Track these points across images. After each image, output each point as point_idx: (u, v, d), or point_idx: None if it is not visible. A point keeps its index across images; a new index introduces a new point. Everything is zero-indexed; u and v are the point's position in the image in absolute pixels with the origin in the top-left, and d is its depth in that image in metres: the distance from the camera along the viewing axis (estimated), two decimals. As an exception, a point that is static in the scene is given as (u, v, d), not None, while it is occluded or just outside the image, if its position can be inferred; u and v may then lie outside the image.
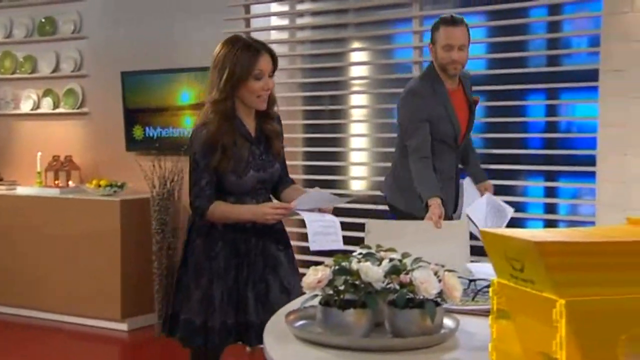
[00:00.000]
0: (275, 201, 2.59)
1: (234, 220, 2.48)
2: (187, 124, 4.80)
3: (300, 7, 4.63)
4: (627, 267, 1.22)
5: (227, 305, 2.46)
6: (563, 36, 3.86)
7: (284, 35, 4.72)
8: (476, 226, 2.93)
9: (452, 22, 3.06)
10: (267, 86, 2.43)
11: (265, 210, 2.45)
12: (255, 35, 4.68)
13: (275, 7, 4.68)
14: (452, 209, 3.18)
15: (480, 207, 3.06)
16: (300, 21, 4.67)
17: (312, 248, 2.43)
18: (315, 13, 4.59)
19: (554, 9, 3.84)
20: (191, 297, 2.50)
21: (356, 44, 4.50)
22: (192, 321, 2.48)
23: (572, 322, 1.19)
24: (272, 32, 4.72)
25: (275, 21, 4.72)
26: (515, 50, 3.89)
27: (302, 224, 2.49)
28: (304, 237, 2.57)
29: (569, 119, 3.92)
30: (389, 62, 4.39)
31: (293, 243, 2.73)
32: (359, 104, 4.51)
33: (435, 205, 2.82)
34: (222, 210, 2.47)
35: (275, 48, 4.64)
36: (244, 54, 2.39)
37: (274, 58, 2.47)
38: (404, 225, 2.72)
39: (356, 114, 4.49)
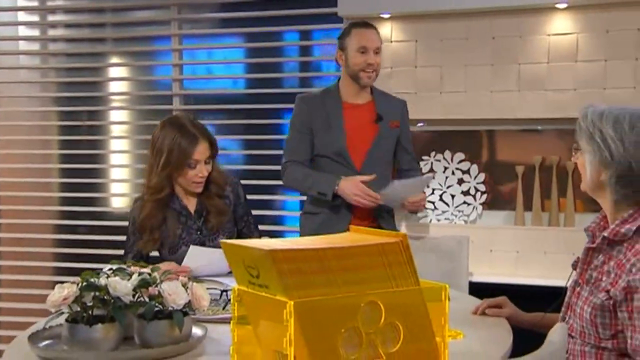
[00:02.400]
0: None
1: None
2: None
3: (52, 18, 4.47)
4: (345, 269, 1.39)
5: None
6: (313, 60, 4.17)
7: (35, 46, 4.52)
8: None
9: (365, 24, 2.90)
10: (201, 174, 2.46)
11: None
12: (2, 46, 4.43)
13: (23, 17, 4.47)
14: None
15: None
16: (53, 32, 4.50)
17: None
18: (69, 25, 4.45)
19: (304, 35, 4.13)
20: None
21: (115, 59, 4.44)
22: None
23: (300, 320, 1.33)
24: (21, 42, 4.49)
25: (24, 31, 4.50)
26: (271, 71, 4.12)
27: None
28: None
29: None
30: (149, 79, 4.40)
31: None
32: (118, 119, 4.45)
33: (348, 184, 2.72)
34: None
35: (25, 60, 4.50)
36: (181, 143, 2.42)
37: (212, 144, 2.49)
38: None
39: (116, 130, 4.43)
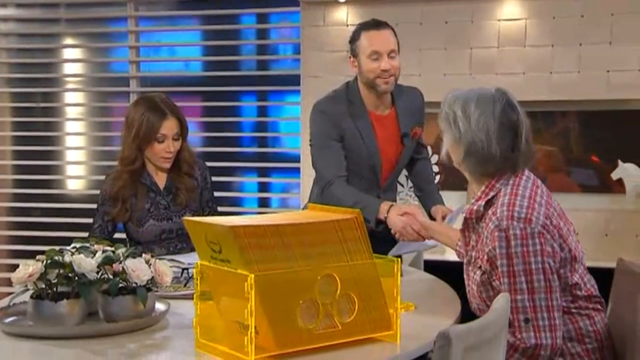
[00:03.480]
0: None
1: None
2: None
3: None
4: (303, 244, 1.47)
5: None
6: (270, 43, 4.21)
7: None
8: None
9: (376, 25, 2.52)
10: (168, 149, 2.54)
11: None
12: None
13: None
14: None
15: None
16: (3, 12, 4.43)
17: None
18: (20, 5, 4.39)
19: (261, 18, 4.16)
20: None
21: (69, 40, 4.40)
22: None
23: (260, 293, 1.40)
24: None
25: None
26: (228, 54, 4.15)
27: None
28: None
29: (277, 120, 4.27)
30: (105, 61, 4.38)
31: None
32: (74, 101, 4.42)
33: (395, 215, 2.33)
34: None
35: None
36: (150, 117, 2.51)
37: (181, 122, 2.57)
38: None
39: (71, 112, 4.40)
